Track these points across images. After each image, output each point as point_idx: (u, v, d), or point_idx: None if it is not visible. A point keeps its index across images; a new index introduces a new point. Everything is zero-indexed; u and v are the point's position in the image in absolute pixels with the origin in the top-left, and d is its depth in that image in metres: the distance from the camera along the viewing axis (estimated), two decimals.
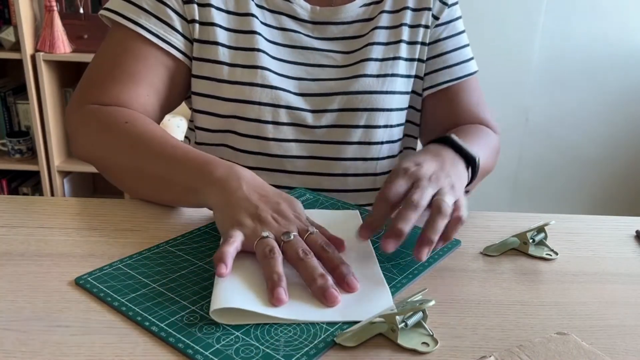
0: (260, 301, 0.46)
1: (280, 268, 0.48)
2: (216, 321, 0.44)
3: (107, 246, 0.57)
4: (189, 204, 0.63)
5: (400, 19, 0.81)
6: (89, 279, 0.50)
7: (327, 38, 0.80)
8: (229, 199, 0.55)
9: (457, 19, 0.85)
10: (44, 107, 1.95)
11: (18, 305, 0.46)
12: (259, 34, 0.76)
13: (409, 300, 0.45)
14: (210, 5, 0.75)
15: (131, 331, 0.43)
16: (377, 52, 0.79)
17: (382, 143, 0.81)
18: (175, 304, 0.46)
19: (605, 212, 2.33)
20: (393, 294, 0.50)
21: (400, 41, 0.80)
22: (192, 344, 0.41)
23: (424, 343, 0.43)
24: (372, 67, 0.78)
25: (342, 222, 0.62)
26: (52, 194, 2.07)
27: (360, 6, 0.81)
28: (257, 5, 0.78)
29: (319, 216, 0.64)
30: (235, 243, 0.50)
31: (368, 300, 0.48)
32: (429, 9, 0.82)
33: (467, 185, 0.65)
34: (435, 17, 0.82)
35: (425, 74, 0.84)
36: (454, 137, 0.66)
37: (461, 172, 0.62)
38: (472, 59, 0.86)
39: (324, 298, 0.46)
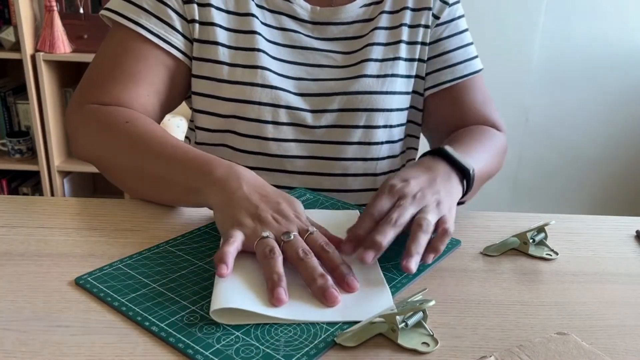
0: (260, 301, 0.46)
1: (280, 268, 0.48)
2: (216, 321, 0.44)
3: (107, 246, 0.57)
4: (189, 204, 0.63)
5: (400, 20, 0.81)
6: (89, 279, 0.50)
7: (327, 38, 0.80)
8: (229, 199, 0.55)
9: (458, 17, 0.84)
10: (44, 107, 1.95)
11: (18, 305, 0.46)
12: (259, 34, 0.76)
13: (409, 300, 0.45)
14: (210, 5, 0.75)
15: (131, 331, 0.43)
16: (377, 52, 0.79)
17: (382, 143, 0.81)
18: (175, 304, 0.46)
19: (605, 212, 2.33)
20: (393, 294, 0.50)
21: (400, 41, 0.80)
22: (192, 344, 0.41)
23: (424, 343, 0.43)
24: (372, 68, 0.78)
25: (342, 222, 0.62)
26: (52, 194, 2.07)
27: (361, 6, 0.81)
28: (257, 5, 0.78)
29: (319, 216, 0.64)
30: (235, 243, 0.50)
31: (368, 300, 0.48)
32: (429, 9, 0.81)
33: (463, 196, 0.65)
34: (436, 17, 0.82)
35: (427, 74, 0.84)
36: (448, 149, 0.65)
37: (453, 187, 0.62)
38: (476, 57, 0.85)
39: (324, 298, 0.46)
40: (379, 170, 0.83)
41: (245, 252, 0.52)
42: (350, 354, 0.42)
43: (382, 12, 0.81)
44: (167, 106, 0.79)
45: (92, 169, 2.04)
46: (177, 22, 0.74)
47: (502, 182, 2.30)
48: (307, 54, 0.79)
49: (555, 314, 0.49)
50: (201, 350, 0.41)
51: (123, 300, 0.46)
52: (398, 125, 0.82)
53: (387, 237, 0.52)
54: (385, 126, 0.80)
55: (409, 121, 0.85)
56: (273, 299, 0.46)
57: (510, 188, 2.34)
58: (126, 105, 0.72)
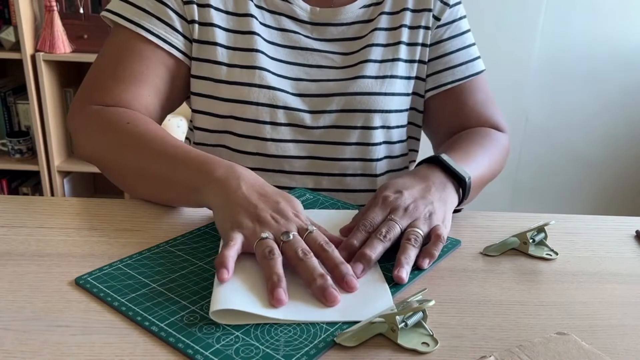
0: (260, 302, 0.46)
1: (279, 269, 0.48)
2: (216, 321, 0.44)
3: (107, 246, 0.57)
4: (189, 204, 0.63)
5: (400, 21, 0.81)
6: (89, 279, 0.50)
7: (327, 39, 0.80)
8: (228, 199, 0.55)
9: (460, 18, 0.84)
10: (44, 107, 1.95)
11: (18, 305, 0.46)
12: (258, 34, 0.76)
13: (409, 300, 0.45)
14: (209, 5, 0.75)
15: (131, 331, 0.43)
16: (376, 53, 0.79)
17: (379, 144, 0.81)
18: (175, 304, 0.46)
19: (605, 212, 2.33)
20: (393, 294, 0.50)
21: (399, 43, 0.80)
22: (192, 344, 0.41)
23: (424, 343, 0.43)
24: (372, 69, 0.78)
25: (342, 222, 0.62)
26: (52, 194, 2.07)
27: (360, 7, 0.81)
28: (257, 6, 0.78)
29: (319, 216, 0.64)
30: (236, 246, 0.50)
31: (368, 300, 0.48)
32: (430, 10, 0.81)
33: (460, 203, 0.66)
34: (437, 18, 0.82)
35: (428, 75, 0.83)
36: (445, 157, 0.66)
37: (448, 196, 0.63)
38: (477, 58, 0.85)
39: (323, 298, 0.47)
40: (378, 171, 0.83)
41: (245, 254, 0.52)
42: (350, 354, 0.42)
43: (382, 13, 0.81)
44: (168, 107, 0.79)
45: (92, 169, 2.05)
46: (177, 22, 0.74)
47: (502, 182, 2.30)
48: (306, 55, 0.79)
49: (555, 314, 0.49)
50: (201, 350, 0.41)
51: (123, 300, 0.46)
52: (397, 127, 0.82)
53: (376, 251, 0.53)
54: (382, 127, 0.80)
55: (409, 123, 0.85)
56: (273, 300, 0.46)
57: (510, 188, 2.34)
58: (128, 106, 0.72)
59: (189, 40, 0.76)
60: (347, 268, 0.50)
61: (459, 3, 0.84)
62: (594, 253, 0.62)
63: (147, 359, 0.40)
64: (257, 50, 0.75)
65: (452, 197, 0.63)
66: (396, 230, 0.56)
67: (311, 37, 0.80)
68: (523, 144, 2.27)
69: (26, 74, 1.90)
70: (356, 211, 0.66)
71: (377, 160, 0.82)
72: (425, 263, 0.54)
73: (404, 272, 0.51)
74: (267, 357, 0.40)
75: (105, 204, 0.67)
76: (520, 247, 0.61)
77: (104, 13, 0.75)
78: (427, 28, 0.81)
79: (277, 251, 0.50)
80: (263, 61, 0.75)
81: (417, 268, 0.54)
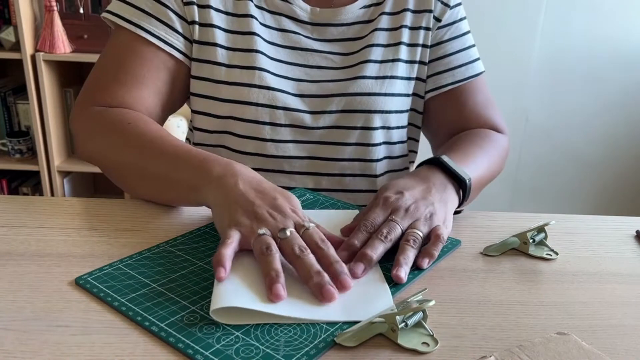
0: (260, 300, 0.46)
1: (277, 265, 0.48)
2: (216, 321, 0.44)
3: (107, 246, 0.57)
4: (189, 203, 0.63)
5: (400, 21, 0.81)
6: (89, 279, 0.50)
7: (327, 39, 0.80)
8: (225, 197, 0.55)
9: (460, 20, 0.84)
10: (44, 107, 1.95)
11: (18, 305, 0.46)
12: (258, 35, 0.76)
13: (409, 300, 0.45)
14: (209, 6, 0.75)
15: (131, 331, 0.43)
16: (376, 54, 0.79)
17: (379, 144, 0.81)
18: (175, 304, 0.46)
19: (605, 212, 2.33)
20: (393, 294, 0.50)
21: (400, 43, 0.80)
22: (192, 344, 0.41)
23: (424, 343, 0.43)
24: (372, 69, 0.78)
25: (342, 222, 0.62)
26: (52, 194, 2.07)
27: (360, 8, 0.81)
28: (257, 6, 0.77)
29: (319, 216, 0.64)
30: (232, 244, 0.50)
31: (368, 300, 0.48)
32: (430, 11, 0.81)
33: (460, 204, 0.66)
34: (437, 19, 0.82)
35: (429, 76, 0.83)
36: (445, 158, 0.66)
37: (448, 197, 0.63)
38: (477, 59, 0.85)
39: (320, 295, 0.47)
40: (378, 171, 0.83)
41: (244, 251, 0.52)
42: (350, 354, 0.42)
43: (382, 13, 0.81)
44: (170, 107, 0.79)
45: (92, 169, 2.05)
46: (177, 23, 0.74)
47: (502, 182, 2.30)
48: (306, 55, 0.79)
49: (555, 314, 0.49)
50: (201, 350, 0.41)
51: (123, 300, 0.46)
52: (397, 128, 0.82)
53: (377, 251, 0.53)
54: (382, 127, 0.80)
55: (409, 124, 0.85)
56: (271, 295, 0.46)
57: (510, 188, 2.34)
58: (129, 107, 0.72)
59: (190, 41, 0.76)
60: (342, 267, 0.50)
61: (459, 4, 0.84)
62: (594, 253, 0.62)
63: (147, 359, 0.40)
64: (257, 51, 0.75)
65: (453, 198, 0.64)
66: (397, 230, 0.56)
67: (311, 37, 0.80)
68: (523, 144, 2.27)
69: (26, 74, 1.90)
70: (356, 211, 0.66)
71: (377, 160, 0.82)
72: (425, 263, 0.54)
73: (403, 272, 0.52)
74: (267, 357, 0.40)
75: (105, 204, 0.67)
76: (520, 247, 0.61)
77: (104, 14, 0.75)
78: (427, 29, 0.81)
79: (274, 247, 0.50)
80: (263, 62, 0.75)
81: (416, 268, 0.54)
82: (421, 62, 0.82)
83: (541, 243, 0.62)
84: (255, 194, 0.55)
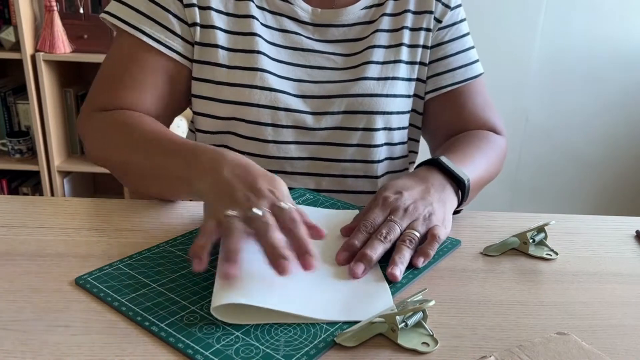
0: (261, 296, 0.46)
1: (235, 244, 0.47)
2: (216, 321, 0.44)
3: (107, 246, 0.57)
4: (187, 196, 0.63)
5: (401, 22, 0.81)
6: (89, 279, 0.50)
7: (328, 40, 0.80)
8: (210, 187, 0.55)
9: (460, 21, 0.84)
10: (44, 107, 1.95)
11: (18, 305, 0.46)
12: (259, 35, 0.76)
13: (409, 300, 0.45)
14: (210, 8, 0.75)
15: (131, 331, 0.43)
16: (378, 55, 0.79)
17: (380, 145, 0.81)
18: (175, 304, 0.46)
19: (605, 212, 2.33)
20: (393, 294, 0.50)
21: (401, 44, 0.80)
22: (192, 344, 0.41)
23: (424, 343, 0.43)
24: (373, 70, 0.78)
25: (341, 222, 0.62)
26: (52, 194, 2.07)
27: (362, 9, 0.81)
28: (258, 7, 0.77)
29: (319, 215, 0.64)
30: (206, 234, 0.49)
31: (368, 300, 0.48)
32: (431, 12, 0.81)
33: (459, 205, 0.66)
34: (438, 20, 0.82)
35: (428, 77, 0.83)
36: (444, 159, 0.66)
37: (447, 197, 0.63)
38: (476, 61, 0.85)
39: (275, 268, 0.46)
40: (379, 172, 0.83)
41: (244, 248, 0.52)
42: (350, 354, 0.42)
43: (384, 14, 0.80)
44: (173, 109, 0.80)
45: (92, 169, 2.05)
46: (177, 26, 0.74)
47: (502, 182, 2.30)
48: (307, 56, 0.79)
49: (555, 314, 0.49)
50: (201, 350, 0.41)
51: (123, 300, 0.46)
52: (398, 129, 0.82)
53: (377, 252, 0.54)
54: (384, 128, 0.80)
55: (409, 124, 0.85)
56: (222, 274, 0.45)
57: (510, 188, 2.34)
58: (130, 109, 0.73)
59: (190, 43, 0.76)
60: (308, 246, 0.48)
61: (459, 6, 0.84)
62: (594, 253, 0.62)
63: (147, 359, 0.40)
64: (258, 52, 0.75)
65: (452, 199, 0.64)
66: (396, 231, 0.56)
67: (312, 38, 0.80)
68: (523, 144, 2.27)
69: (26, 74, 1.90)
70: (356, 211, 0.66)
71: (378, 161, 0.82)
72: (420, 262, 0.55)
73: (397, 271, 0.52)
74: (267, 357, 0.40)
75: (105, 204, 0.67)
76: (520, 247, 0.61)
77: (103, 15, 0.75)
78: (428, 30, 0.81)
79: (238, 227, 0.49)
80: (264, 63, 0.75)
81: (412, 267, 0.54)
82: (421, 63, 0.82)
83: (541, 243, 0.62)
84: (237, 180, 0.54)
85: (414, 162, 0.92)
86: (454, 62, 0.83)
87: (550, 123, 2.24)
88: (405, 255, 0.54)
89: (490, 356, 0.40)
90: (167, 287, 0.49)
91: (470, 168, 0.68)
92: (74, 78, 2.15)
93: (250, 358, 0.40)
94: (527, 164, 2.30)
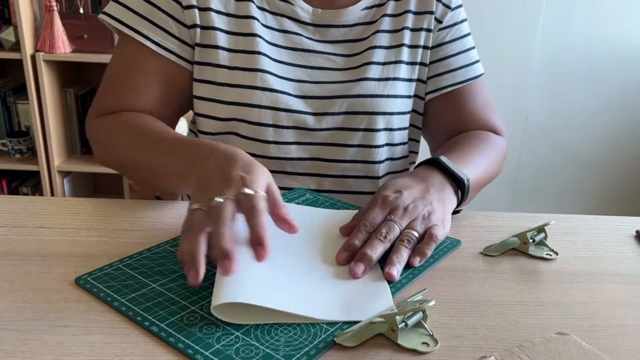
0: (261, 295, 0.46)
1: (191, 243, 0.48)
2: (216, 321, 0.44)
3: (107, 246, 0.57)
4: (187, 190, 0.63)
5: (402, 23, 0.81)
6: (89, 279, 0.50)
7: (329, 41, 0.80)
8: (195, 179, 0.56)
9: (461, 22, 0.84)
10: (44, 107, 1.95)
11: (18, 305, 0.46)
12: (260, 36, 0.76)
13: (409, 300, 0.45)
14: (210, 9, 0.75)
15: (131, 331, 0.43)
16: (379, 55, 0.79)
17: (382, 146, 0.81)
18: (175, 304, 0.46)
19: (605, 212, 2.33)
20: (393, 294, 0.50)
21: (401, 45, 0.80)
22: (192, 344, 0.41)
23: (424, 343, 0.43)
24: (374, 71, 0.78)
25: (341, 221, 0.62)
26: (52, 194, 2.07)
27: (362, 9, 0.81)
28: (258, 8, 0.77)
29: (319, 215, 0.64)
30: (182, 234, 0.51)
31: (368, 300, 0.48)
32: (432, 13, 0.81)
33: (459, 205, 0.66)
34: (439, 21, 0.82)
35: (429, 78, 0.83)
36: (443, 159, 0.66)
37: (447, 197, 0.63)
38: (477, 61, 0.85)
39: (220, 267, 0.46)
40: (380, 173, 0.82)
41: (244, 246, 0.52)
42: (350, 354, 0.42)
43: (384, 15, 0.80)
44: (176, 110, 0.80)
45: (92, 169, 2.05)
46: (175, 28, 0.75)
47: (502, 182, 2.30)
48: (308, 57, 0.79)
49: (555, 314, 0.49)
50: (201, 350, 0.41)
51: (123, 300, 0.46)
52: (399, 129, 0.82)
53: (377, 251, 0.54)
54: (385, 129, 0.80)
55: (410, 125, 0.85)
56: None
57: (510, 188, 2.34)
58: (132, 111, 0.75)
59: (189, 45, 0.76)
60: (260, 237, 0.48)
61: (460, 6, 0.84)
62: (594, 253, 0.62)
63: (147, 359, 0.40)
64: (258, 53, 0.75)
65: (451, 198, 0.64)
66: (396, 230, 0.56)
67: (313, 38, 0.79)
68: (523, 144, 2.27)
69: (26, 74, 1.90)
70: (356, 211, 0.66)
71: (379, 162, 0.82)
72: (416, 261, 0.55)
73: (395, 270, 0.52)
74: (267, 357, 0.40)
75: (105, 204, 0.67)
76: (520, 247, 0.61)
77: (101, 16, 0.76)
78: (428, 30, 0.81)
79: (198, 219, 0.49)
80: (265, 63, 0.75)
81: (409, 266, 0.55)
82: (422, 64, 0.82)
83: (541, 243, 0.62)
84: (216, 170, 0.55)
85: (414, 163, 0.92)
86: (454, 63, 0.83)
87: (550, 123, 2.24)
88: (403, 256, 0.54)
89: (490, 356, 0.40)
90: (167, 287, 0.49)
91: (470, 168, 0.68)
92: (74, 78, 2.15)
93: (250, 358, 0.40)
94: (527, 164, 2.30)
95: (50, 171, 2.05)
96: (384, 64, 0.79)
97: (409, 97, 0.82)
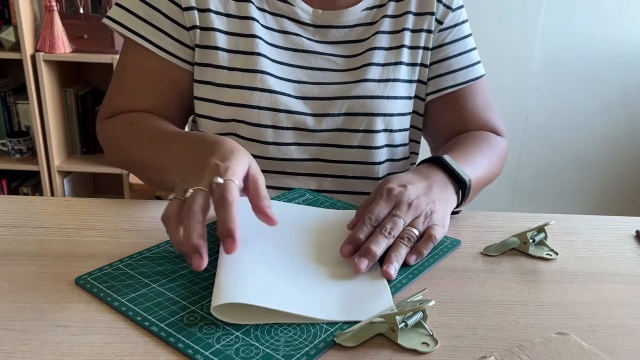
0: (261, 296, 0.46)
1: (171, 234, 0.49)
2: (216, 321, 0.44)
3: (107, 246, 0.57)
4: None
5: (402, 24, 0.80)
6: (89, 279, 0.50)
7: (329, 41, 0.80)
8: (181, 174, 0.57)
9: (462, 22, 0.83)
10: (44, 107, 1.95)
11: (18, 305, 0.46)
12: (260, 37, 0.76)
13: (409, 300, 0.45)
14: (209, 10, 0.75)
15: (131, 331, 0.43)
16: (379, 56, 0.79)
17: (381, 147, 0.80)
18: (175, 304, 0.46)
19: (605, 212, 2.33)
20: (393, 294, 0.50)
21: (402, 46, 0.80)
22: (192, 344, 0.41)
23: (424, 343, 0.43)
24: (374, 72, 0.78)
25: (341, 221, 0.62)
26: (52, 194, 2.07)
27: (363, 10, 0.80)
28: (258, 8, 0.77)
29: (318, 215, 0.64)
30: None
31: (368, 300, 0.48)
32: (432, 14, 0.81)
33: (459, 205, 0.66)
34: (439, 22, 0.81)
35: (429, 79, 0.83)
36: (447, 158, 0.66)
37: (448, 196, 0.63)
38: (478, 62, 0.84)
39: (189, 259, 0.47)
40: (380, 174, 0.82)
41: (242, 245, 0.52)
42: (350, 354, 0.42)
43: (385, 16, 0.80)
44: (181, 111, 0.81)
45: (92, 169, 2.05)
46: (174, 31, 0.75)
47: (502, 182, 2.30)
48: (308, 57, 0.79)
49: (555, 314, 0.49)
50: (201, 350, 0.41)
51: (123, 300, 0.46)
52: (399, 130, 0.82)
53: (380, 247, 0.54)
54: (385, 130, 0.79)
55: (410, 126, 0.85)
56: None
57: (510, 188, 2.34)
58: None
59: (189, 47, 0.76)
60: (229, 229, 0.48)
61: (461, 7, 0.84)
62: (594, 253, 0.62)
63: (147, 359, 0.40)
64: (258, 54, 0.75)
65: (452, 198, 0.64)
66: (400, 226, 0.56)
67: (313, 39, 0.79)
68: (523, 144, 2.27)
69: (26, 74, 1.90)
70: (356, 211, 0.66)
71: (379, 163, 0.81)
72: (412, 260, 0.55)
73: (392, 269, 0.52)
74: (267, 357, 0.40)
75: (105, 204, 0.67)
76: (520, 247, 0.61)
77: (104, 20, 0.77)
78: (429, 31, 0.81)
79: (170, 210, 0.50)
80: (264, 64, 0.75)
81: (404, 264, 0.55)
82: (422, 65, 0.82)
83: (541, 243, 0.62)
84: (199, 161, 0.55)
85: (414, 164, 0.92)
86: (455, 64, 0.82)
87: (550, 123, 2.24)
88: (402, 254, 0.54)
89: (490, 356, 0.40)
90: (167, 287, 0.49)
91: (471, 168, 0.68)
92: (74, 78, 2.15)
93: (250, 358, 0.40)
94: (527, 164, 2.30)
95: (50, 171, 2.05)
96: (384, 65, 0.79)
97: (409, 98, 0.82)
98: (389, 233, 0.55)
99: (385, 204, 0.58)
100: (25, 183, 2.20)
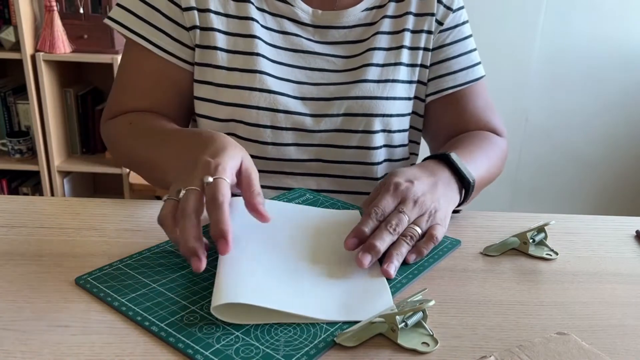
0: (261, 296, 0.46)
1: (171, 235, 0.50)
2: (216, 321, 0.44)
3: (107, 246, 0.57)
4: None
5: (402, 25, 0.80)
6: (89, 279, 0.50)
7: (328, 42, 0.80)
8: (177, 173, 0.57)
9: (463, 23, 0.83)
10: (44, 107, 1.95)
11: (18, 305, 0.46)
12: (259, 37, 0.76)
13: (409, 300, 0.45)
14: (209, 10, 0.75)
15: (131, 331, 0.43)
16: (378, 57, 0.79)
17: (379, 147, 0.80)
18: (175, 304, 0.46)
19: (605, 212, 2.33)
20: (393, 294, 0.50)
21: (401, 47, 0.80)
22: (192, 344, 0.41)
23: (424, 343, 0.43)
24: (373, 73, 0.78)
25: (341, 221, 0.62)
26: (52, 194, 2.07)
27: (363, 10, 0.80)
28: (258, 9, 0.77)
29: (318, 215, 0.64)
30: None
31: (368, 300, 0.48)
32: (433, 15, 0.81)
33: (460, 204, 0.66)
34: (440, 23, 0.81)
35: (429, 80, 0.83)
36: (453, 156, 0.66)
37: (452, 195, 0.63)
38: (478, 63, 0.84)
39: (188, 261, 0.48)
40: (379, 174, 0.82)
41: (243, 245, 0.52)
42: (350, 354, 0.42)
43: (385, 16, 0.80)
44: (181, 110, 0.81)
45: (92, 169, 2.05)
46: (174, 31, 0.75)
47: (502, 182, 2.30)
48: (307, 58, 0.79)
49: (555, 314, 0.49)
50: (201, 350, 0.41)
51: (123, 300, 0.46)
52: (399, 131, 0.82)
53: (384, 243, 0.54)
54: (383, 131, 0.79)
55: (410, 126, 0.85)
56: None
57: (510, 188, 2.34)
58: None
59: (189, 47, 0.76)
60: (221, 231, 0.48)
61: (462, 8, 0.83)
62: (594, 253, 0.62)
63: (147, 359, 0.40)
64: (257, 54, 0.75)
65: (455, 197, 0.64)
66: (404, 223, 0.56)
67: (313, 40, 0.79)
68: (523, 144, 2.27)
69: (26, 74, 1.90)
70: (356, 211, 0.66)
71: (378, 163, 0.81)
72: (412, 258, 0.55)
73: (392, 268, 0.52)
74: (267, 357, 0.40)
75: (105, 204, 0.67)
76: (520, 247, 0.61)
77: (106, 20, 0.77)
78: (429, 32, 0.81)
79: (165, 210, 0.50)
80: (264, 65, 0.75)
81: (404, 263, 0.55)
82: (422, 66, 0.82)
83: (541, 243, 0.62)
84: (192, 160, 0.55)
85: (414, 164, 0.92)
86: (455, 65, 0.82)
87: (550, 123, 2.24)
88: (403, 252, 0.54)
89: (490, 356, 0.40)
90: (167, 287, 0.49)
91: (472, 167, 0.68)
92: (74, 78, 2.15)
93: (250, 358, 0.40)
94: (527, 164, 2.30)
95: (50, 171, 2.05)
96: (383, 65, 0.79)
97: (409, 99, 0.81)
98: (394, 229, 0.55)
99: (392, 199, 0.58)
100: (25, 183, 2.20)
